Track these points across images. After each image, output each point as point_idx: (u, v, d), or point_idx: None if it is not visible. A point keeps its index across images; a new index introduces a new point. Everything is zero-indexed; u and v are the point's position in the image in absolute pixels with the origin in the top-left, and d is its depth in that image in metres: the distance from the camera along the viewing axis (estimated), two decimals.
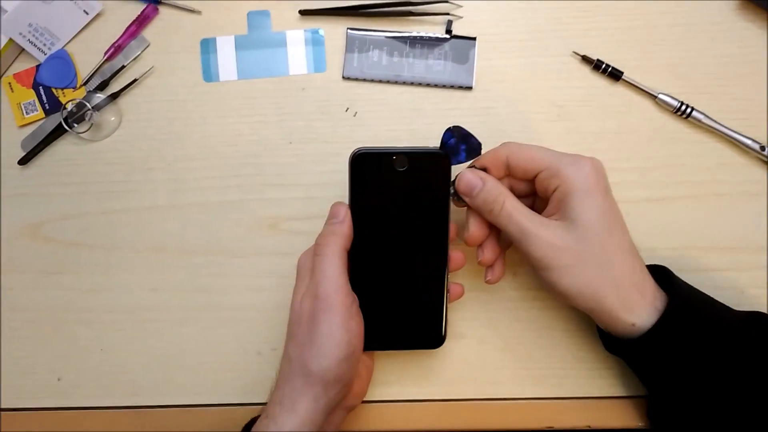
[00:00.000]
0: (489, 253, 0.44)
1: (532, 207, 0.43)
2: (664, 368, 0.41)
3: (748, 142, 0.50)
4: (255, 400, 0.50)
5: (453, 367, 0.49)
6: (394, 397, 0.49)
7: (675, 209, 0.50)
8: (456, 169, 0.43)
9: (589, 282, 0.40)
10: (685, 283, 0.43)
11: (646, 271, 0.42)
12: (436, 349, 0.46)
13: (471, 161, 0.44)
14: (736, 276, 0.50)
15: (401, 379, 0.49)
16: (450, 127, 0.43)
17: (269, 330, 0.50)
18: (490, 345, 0.50)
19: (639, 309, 0.40)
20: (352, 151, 0.42)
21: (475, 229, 0.44)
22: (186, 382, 0.50)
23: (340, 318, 0.40)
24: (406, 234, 0.43)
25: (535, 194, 0.44)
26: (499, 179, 0.43)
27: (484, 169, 0.44)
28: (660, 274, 0.43)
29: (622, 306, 0.40)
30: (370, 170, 0.42)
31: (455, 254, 0.45)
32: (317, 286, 0.40)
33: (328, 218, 0.43)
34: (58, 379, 0.51)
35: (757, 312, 0.43)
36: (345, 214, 0.42)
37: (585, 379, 0.49)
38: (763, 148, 0.50)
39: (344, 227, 0.42)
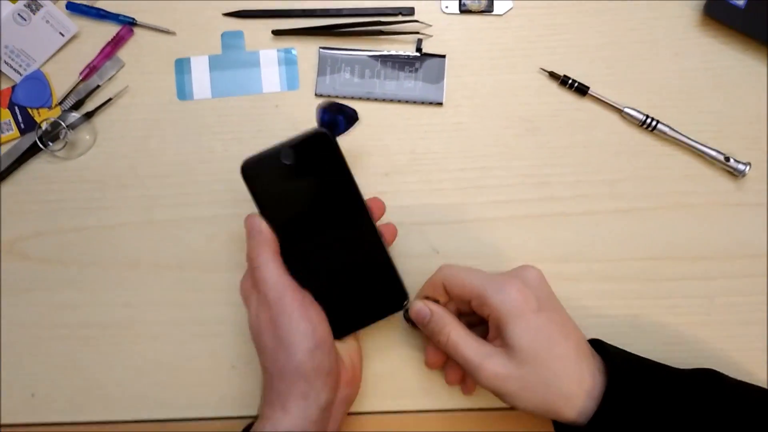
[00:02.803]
0: (452, 375, 0.47)
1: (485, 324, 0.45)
2: None
3: (713, 153, 0.51)
4: (230, 414, 0.50)
5: (432, 378, 0.50)
6: (368, 408, 0.50)
7: (643, 220, 0.51)
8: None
9: (540, 402, 0.41)
10: (620, 352, 0.43)
11: (587, 357, 0.42)
12: (411, 361, 0.47)
13: (408, 305, 0.46)
14: (705, 285, 0.50)
15: (379, 390, 0.50)
16: (323, 105, 0.44)
17: (243, 344, 0.50)
18: None
19: (583, 402, 0.40)
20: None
21: (431, 355, 0.47)
22: (160, 397, 0.50)
23: (297, 313, 0.40)
24: (327, 219, 0.43)
25: None
26: (445, 303, 0.46)
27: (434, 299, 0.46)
28: (595, 346, 0.44)
29: (571, 409, 0.40)
30: (264, 174, 0.42)
31: (387, 227, 0.46)
32: (266, 295, 0.41)
33: (247, 234, 0.43)
34: (32, 395, 0.51)
35: (702, 369, 0.43)
36: (260, 223, 0.42)
37: None
38: (727, 159, 0.51)
39: (266, 235, 0.42)
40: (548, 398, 0.40)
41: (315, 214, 0.43)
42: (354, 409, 0.49)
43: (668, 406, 0.40)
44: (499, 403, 0.48)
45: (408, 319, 0.47)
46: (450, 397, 0.49)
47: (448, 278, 0.45)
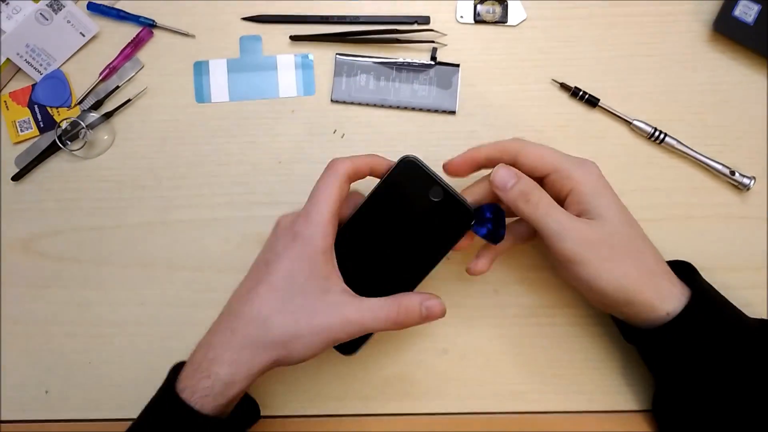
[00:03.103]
0: (483, 261, 0.46)
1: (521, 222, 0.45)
2: (679, 360, 0.42)
3: (719, 167, 0.52)
4: None
5: (435, 382, 0.51)
6: (376, 411, 0.50)
7: (649, 231, 0.51)
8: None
9: (626, 274, 0.41)
10: (706, 282, 0.44)
11: (666, 269, 0.43)
12: (419, 364, 0.48)
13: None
14: None
15: (383, 393, 0.50)
16: (495, 205, 0.44)
17: None
18: (471, 361, 0.51)
19: (671, 298, 0.41)
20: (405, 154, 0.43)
21: (483, 264, 0.46)
22: None
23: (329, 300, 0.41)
24: (399, 247, 0.44)
25: None
26: None
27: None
28: (683, 269, 0.45)
29: (657, 296, 0.41)
30: (407, 180, 0.43)
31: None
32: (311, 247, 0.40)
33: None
34: (46, 392, 0.51)
35: None
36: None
37: (563, 394, 0.50)
38: (733, 172, 0.52)
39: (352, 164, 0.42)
40: (635, 275, 0.41)
41: (398, 238, 0.44)
42: (362, 411, 0.50)
43: (740, 338, 0.41)
44: (507, 408, 0.50)
45: (485, 234, 0.44)
46: (459, 401, 0.50)
47: (524, 149, 0.43)
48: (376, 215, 0.44)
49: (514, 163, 0.43)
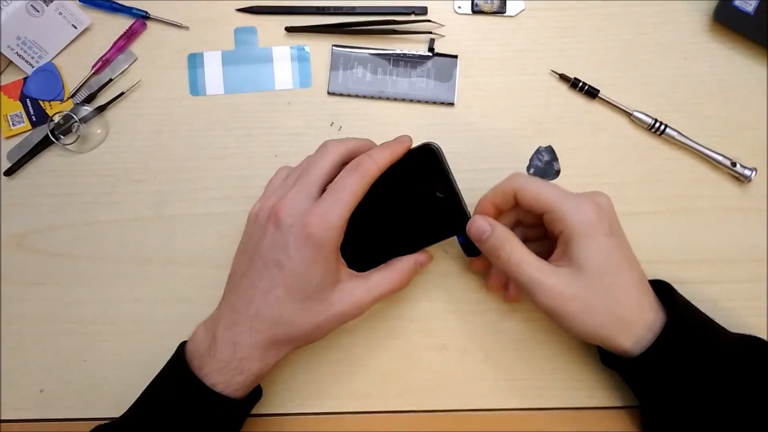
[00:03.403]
0: (495, 280, 0.48)
1: (543, 240, 0.46)
2: (659, 385, 0.42)
3: (720, 158, 0.52)
4: None
5: (434, 378, 0.50)
6: (374, 408, 0.50)
7: (650, 224, 0.52)
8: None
9: (598, 326, 0.41)
10: (684, 300, 0.44)
11: (649, 293, 0.43)
12: (418, 361, 0.48)
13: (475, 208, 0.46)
14: (710, 289, 0.51)
15: (382, 390, 0.50)
16: (461, 236, 0.45)
17: None
18: (471, 356, 0.50)
19: (648, 331, 0.41)
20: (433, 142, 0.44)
21: (494, 278, 0.48)
22: None
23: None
24: (393, 225, 0.45)
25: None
26: (509, 209, 0.45)
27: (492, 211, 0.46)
28: (661, 289, 0.44)
29: (628, 338, 0.41)
30: (421, 165, 0.44)
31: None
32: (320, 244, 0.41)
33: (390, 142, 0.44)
34: (41, 391, 0.51)
35: (750, 336, 0.44)
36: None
37: (563, 390, 0.50)
38: (734, 164, 0.51)
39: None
40: (607, 324, 0.41)
41: (395, 216, 0.45)
42: (360, 408, 0.50)
43: (719, 358, 0.41)
44: (507, 404, 0.49)
45: (464, 244, 0.46)
46: (459, 397, 0.50)
47: (523, 187, 0.43)
48: (382, 189, 0.43)
49: (515, 201, 0.44)
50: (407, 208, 0.45)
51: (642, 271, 0.43)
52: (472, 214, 0.45)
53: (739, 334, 0.44)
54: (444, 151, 0.44)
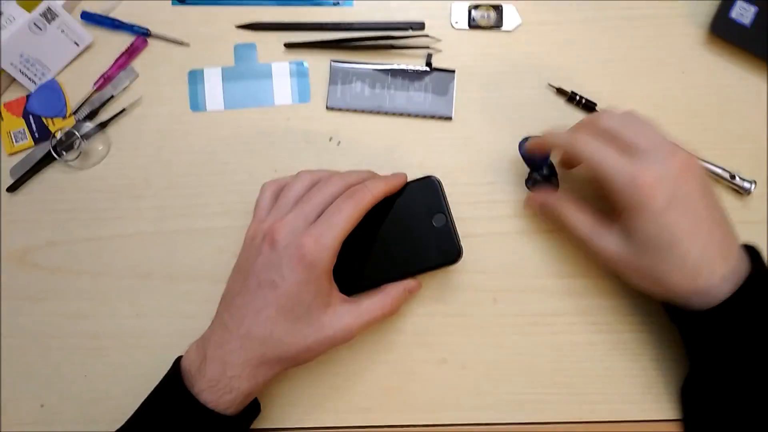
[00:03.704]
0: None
1: None
2: (718, 344, 0.41)
3: (719, 171, 0.51)
4: None
5: (435, 392, 0.50)
6: (375, 422, 0.50)
7: None
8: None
9: (649, 289, 0.43)
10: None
11: (724, 254, 0.41)
12: (418, 375, 0.48)
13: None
14: None
15: (382, 404, 0.50)
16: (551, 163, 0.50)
17: None
18: (471, 370, 0.50)
19: (723, 285, 0.40)
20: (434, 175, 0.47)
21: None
22: None
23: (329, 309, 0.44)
24: (386, 250, 0.47)
25: None
26: None
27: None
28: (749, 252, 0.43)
29: (696, 289, 0.40)
30: (421, 195, 0.47)
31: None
32: (313, 265, 0.42)
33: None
34: (41, 406, 0.51)
35: None
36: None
37: (565, 404, 0.49)
38: (733, 176, 0.51)
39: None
40: (657, 289, 0.42)
41: (389, 238, 0.47)
42: (360, 423, 0.50)
43: None
44: (509, 419, 0.49)
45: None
46: (460, 411, 0.50)
47: (581, 152, 0.43)
48: (380, 217, 0.46)
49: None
50: (403, 236, 0.47)
51: (717, 233, 0.41)
52: (463, 247, 0.46)
53: None
54: (443, 164, 0.45)
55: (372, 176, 0.47)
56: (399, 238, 0.47)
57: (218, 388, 0.41)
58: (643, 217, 0.41)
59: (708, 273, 0.40)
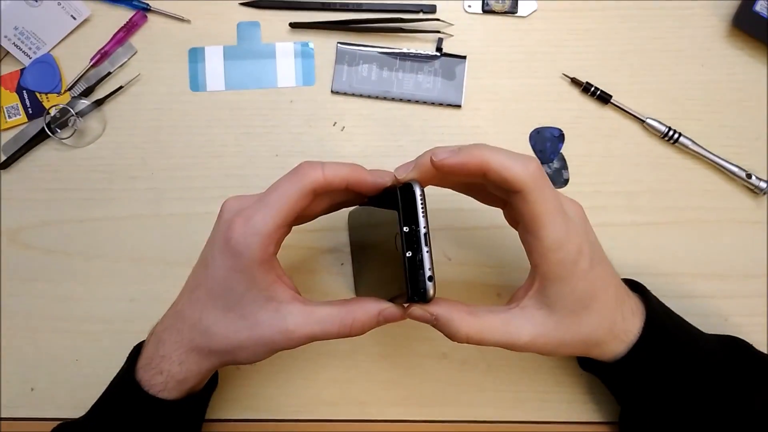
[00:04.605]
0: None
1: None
2: (636, 389, 0.41)
3: (735, 169, 0.50)
4: (235, 416, 0.49)
5: (435, 388, 0.49)
6: (372, 416, 0.49)
7: (661, 235, 0.50)
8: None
9: (574, 352, 0.40)
10: (659, 303, 0.42)
11: (625, 301, 0.40)
12: (418, 370, 0.47)
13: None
14: (721, 303, 0.50)
15: (380, 398, 0.49)
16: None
17: None
18: (472, 366, 0.49)
19: (617, 344, 0.40)
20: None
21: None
22: None
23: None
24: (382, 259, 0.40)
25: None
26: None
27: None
28: (636, 290, 0.43)
29: (603, 351, 0.40)
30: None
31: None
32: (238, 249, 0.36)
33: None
34: (32, 389, 0.50)
35: (728, 336, 0.43)
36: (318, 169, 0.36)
37: (566, 403, 0.49)
38: (749, 175, 0.50)
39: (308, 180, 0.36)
40: (583, 349, 0.40)
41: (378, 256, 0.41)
42: (357, 416, 0.49)
43: (695, 360, 0.40)
44: (508, 417, 0.48)
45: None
46: (459, 408, 0.49)
47: (496, 172, 0.34)
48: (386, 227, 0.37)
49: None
50: (385, 256, 0.38)
51: (618, 281, 0.40)
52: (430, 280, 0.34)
53: (717, 336, 0.43)
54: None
55: (361, 171, 0.37)
56: (385, 257, 0.38)
57: (150, 367, 0.39)
58: (568, 284, 0.36)
59: (621, 312, 0.40)
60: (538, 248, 0.36)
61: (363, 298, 0.38)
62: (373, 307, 0.37)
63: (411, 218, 0.34)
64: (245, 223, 0.35)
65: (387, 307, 0.37)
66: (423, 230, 0.34)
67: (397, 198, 0.34)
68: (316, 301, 0.38)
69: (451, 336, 0.37)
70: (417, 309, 0.37)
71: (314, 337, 0.37)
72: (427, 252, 0.34)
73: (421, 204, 0.34)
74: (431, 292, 0.34)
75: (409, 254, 0.34)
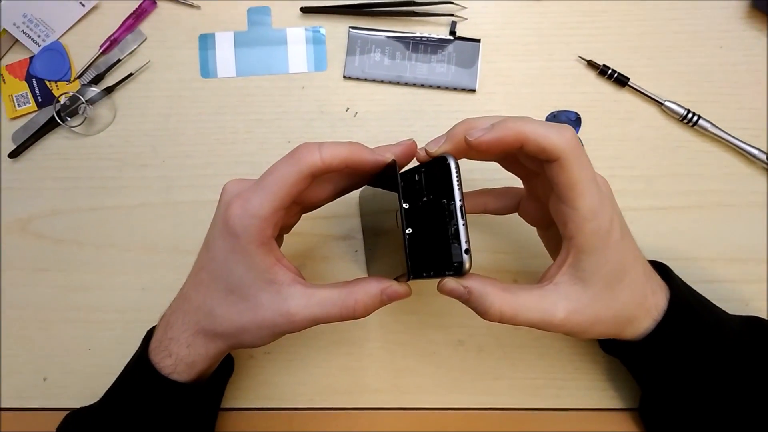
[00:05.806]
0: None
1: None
2: (660, 370, 0.41)
3: (755, 152, 0.49)
4: (247, 405, 0.48)
5: (450, 375, 0.48)
6: (387, 404, 0.48)
7: (680, 219, 0.50)
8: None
9: (605, 331, 0.38)
10: (684, 283, 0.42)
11: (651, 278, 0.40)
12: (434, 357, 0.46)
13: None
14: (741, 287, 0.49)
15: (395, 386, 0.48)
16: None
17: None
18: (488, 353, 0.48)
19: (644, 322, 0.39)
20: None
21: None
22: None
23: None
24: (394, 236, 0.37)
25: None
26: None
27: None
28: (659, 271, 0.42)
29: (632, 330, 0.39)
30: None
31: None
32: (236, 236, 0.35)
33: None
34: (44, 379, 0.49)
35: (753, 317, 0.43)
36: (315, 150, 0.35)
37: (584, 390, 0.48)
38: None
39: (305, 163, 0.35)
40: (613, 326, 0.38)
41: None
42: (373, 404, 0.48)
43: (719, 340, 0.39)
44: (525, 404, 0.48)
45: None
46: (475, 395, 0.48)
47: (533, 142, 0.34)
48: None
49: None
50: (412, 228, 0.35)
51: (642, 256, 0.40)
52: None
53: (741, 316, 0.42)
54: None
55: (362, 148, 0.36)
56: (392, 238, 0.37)
57: (160, 350, 0.39)
58: (602, 255, 0.35)
59: (651, 286, 0.39)
60: (573, 218, 0.35)
61: (365, 278, 0.38)
62: (375, 287, 0.36)
63: (445, 192, 0.34)
64: (243, 205, 0.35)
65: (389, 285, 0.36)
66: (459, 203, 0.34)
67: (396, 179, 0.34)
68: (318, 283, 0.37)
69: (484, 312, 0.36)
70: (450, 281, 0.36)
71: (316, 320, 0.36)
72: (464, 225, 0.34)
73: (456, 177, 0.34)
74: (467, 264, 0.34)
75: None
